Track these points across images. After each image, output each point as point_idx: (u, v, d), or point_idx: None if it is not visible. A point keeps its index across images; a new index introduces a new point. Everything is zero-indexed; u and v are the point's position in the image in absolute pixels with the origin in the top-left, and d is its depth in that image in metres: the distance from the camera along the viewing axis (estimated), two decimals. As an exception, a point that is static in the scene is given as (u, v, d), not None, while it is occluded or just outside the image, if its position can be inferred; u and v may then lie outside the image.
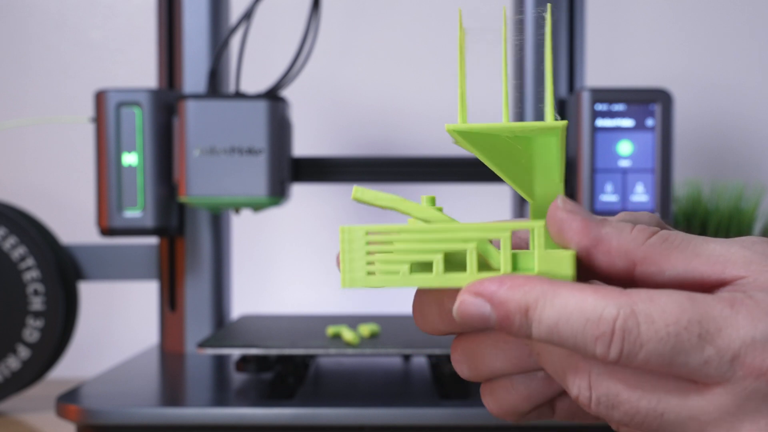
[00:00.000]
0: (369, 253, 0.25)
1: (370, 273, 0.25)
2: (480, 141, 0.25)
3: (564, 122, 0.25)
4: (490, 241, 0.26)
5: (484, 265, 0.26)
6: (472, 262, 0.25)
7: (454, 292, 0.26)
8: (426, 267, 0.26)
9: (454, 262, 0.26)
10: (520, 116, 0.72)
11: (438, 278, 0.25)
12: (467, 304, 0.25)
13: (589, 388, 0.24)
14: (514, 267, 0.26)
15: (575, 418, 0.30)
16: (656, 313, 0.23)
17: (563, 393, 0.29)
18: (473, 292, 0.25)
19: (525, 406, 0.28)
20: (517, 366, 0.27)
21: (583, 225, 0.25)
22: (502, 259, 0.26)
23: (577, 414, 0.29)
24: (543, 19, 0.27)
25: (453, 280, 0.25)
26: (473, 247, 0.25)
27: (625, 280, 0.26)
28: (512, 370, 0.28)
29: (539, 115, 0.68)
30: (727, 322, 0.22)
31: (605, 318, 0.23)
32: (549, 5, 0.27)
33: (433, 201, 0.27)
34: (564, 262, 0.25)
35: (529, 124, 0.25)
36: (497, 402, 0.28)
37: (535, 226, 0.26)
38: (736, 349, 0.22)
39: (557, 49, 0.70)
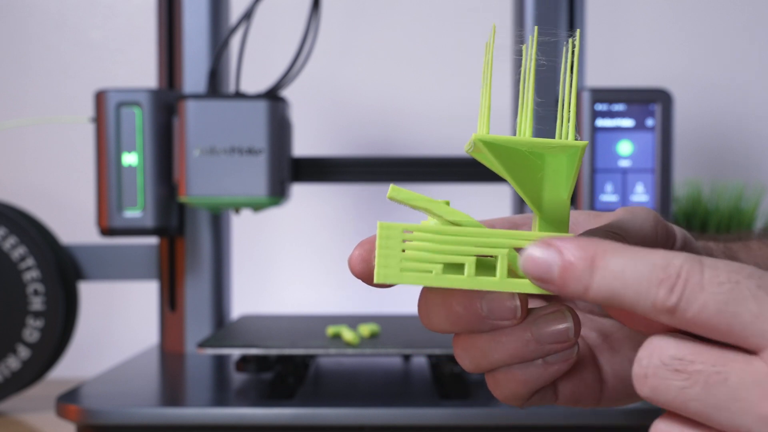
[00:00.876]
0: (404, 250, 0.26)
1: (403, 270, 0.26)
2: (500, 152, 0.26)
3: (585, 143, 0.26)
4: (516, 249, 0.27)
5: (510, 271, 0.27)
6: (503, 267, 0.26)
7: (461, 295, 0.27)
8: (455, 269, 0.27)
9: (480, 265, 0.27)
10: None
11: (469, 280, 0.26)
12: (536, 253, 0.25)
13: (651, 354, 0.24)
14: None
15: (578, 402, 0.31)
16: (721, 264, 0.23)
17: (563, 377, 0.30)
18: (544, 242, 0.25)
19: (525, 391, 0.29)
20: (515, 356, 0.28)
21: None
22: None
23: (581, 398, 0.31)
24: (570, 41, 0.27)
25: (483, 283, 0.26)
26: (505, 253, 0.26)
27: None
28: (510, 361, 0.29)
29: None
30: None
31: (673, 263, 0.23)
32: (578, 30, 0.27)
33: (447, 204, 0.27)
34: None
35: (552, 141, 0.26)
36: (500, 389, 0.30)
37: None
38: None
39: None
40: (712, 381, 0.23)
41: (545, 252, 0.25)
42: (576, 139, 0.26)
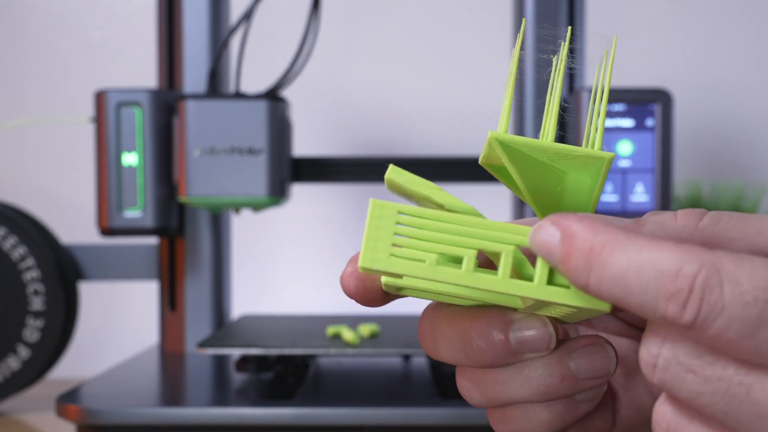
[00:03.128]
0: (397, 234, 0.23)
1: (393, 255, 0.23)
2: (517, 157, 0.23)
3: (612, 155, 0.23)
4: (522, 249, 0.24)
5: (513, 272, 0.23)
6: (506, 265, 0.23)
7: (482, 324, 0.24)
8: (452, 262, 0.23)
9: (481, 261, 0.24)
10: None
11: (467, 276, 0.23)
12: (543, 229, 0.22)
13: (663, 342, 0.20)
14: (549, 281, 0.23)
15: None
16: (744, 275, 0.19)
17: (589, 416, 0.27)
18: (553, 220, 0.22)
19: (542, 431, 0.25)
20: (543, 394, 0.24)
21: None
22: (538, 270, 0.23)
23: (590, 430, 0.27)
24: (605, 52, 0.25)
25: (482, 281, 0.23)
26: (510, 250, 0.23)
27: None
28: (535, 399, 0.25)
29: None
30: None
31: (685, 272, 0.19)
32: (615, 36, 0.26)
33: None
34: None
35: (577, 149, 0.23)
36: (510, 427, 0.26)
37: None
38: None
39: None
40: (733, 392, 0.20)
41: (551, 231, 0.21)
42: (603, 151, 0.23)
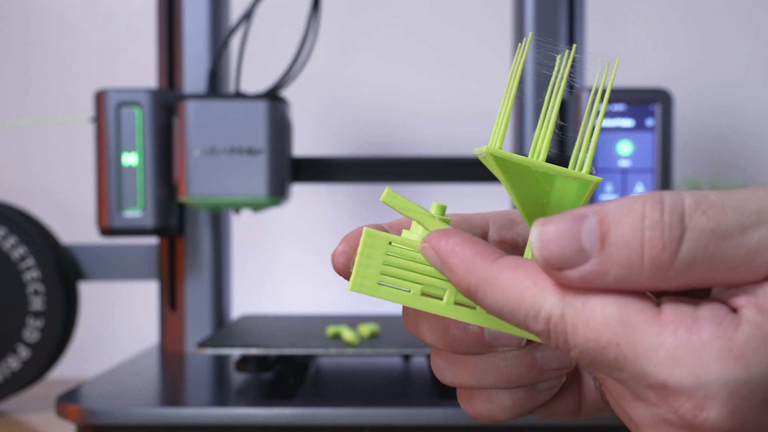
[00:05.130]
0: (385, 263, 0.25)
1: (380, 283, 0.25)
2: (509, 169, 0.25)
3: (599, 179, 0.25)
4: None
5: None
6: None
7: (459, 321, 0.26)
8: (436, 291, 0.25)
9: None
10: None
11: (447, 308, 0.25)
12: (425, 251, 0.24)
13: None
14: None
15: (554, 416, 0.29)
16: (581, 323, 0.21)
17: (555, 399, 0.29)
18: (430, 242, 0.24)
19: (504, 415, 0.28)
20: (510, 381, 0.27)
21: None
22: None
23: (557, 412, 0.29)
24: (607, 67, 0.25)
25: (461, 313, 0.25)
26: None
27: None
28: (503, 385, 0.27)
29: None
30: (645, 354, 0.21)
31: (541, 317, 0.22)
32: (618, 57, 0.26)
33: (443, 209, 0.26)
34: None
35: (566, 170, 0.25)
36: (475, 408, 0.28)
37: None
38: (649, 383, 0.21)
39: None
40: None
41: (428, 256, 0.24)
42: (591, 173, 0.25)
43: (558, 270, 0.22)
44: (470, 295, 0.23)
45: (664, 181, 0.64)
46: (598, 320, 0.21)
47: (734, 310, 0.21)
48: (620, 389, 0.23)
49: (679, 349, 0.20)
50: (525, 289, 0.22)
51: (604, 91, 0.25)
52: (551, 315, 0.22)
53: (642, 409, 0.22)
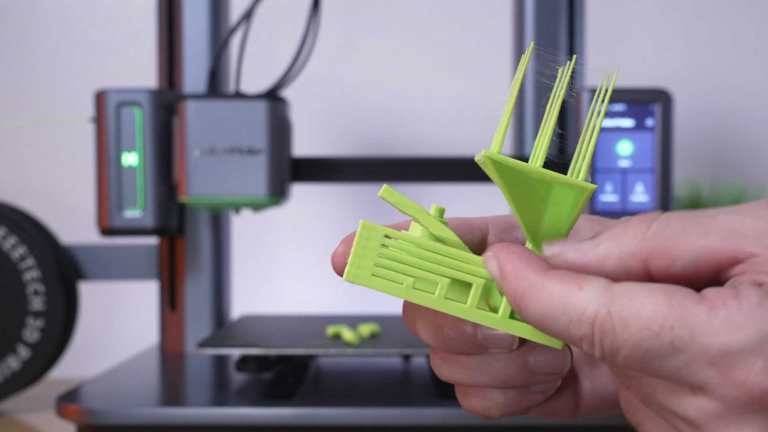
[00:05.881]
0: (380, 255, 0.25)
1: (374, 275, 0.25)
2: (507, 173, 0.25)
3: (594, 186, 0.25)
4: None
5: (482, 301, 0.26)
6: (475, 296, 0.26)
7: (454, 318, 0.27)
8: (428, 285, 0.26)
9: (455, 285, 0.26)
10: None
11: (438, 301, 0.26)
12: (488, 261, 0.25)
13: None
14: (513, 315, 0.26)
15: (552, 416, 0.30)
16: (631, 316, 0.22)
17: (552, 399, 0.29)
18: (494, 253, 0.25)
19: (497, 413, 0.28)
20: (501, 382, 0.27)
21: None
22: (503, 305, 0.26)
23: (555, 413, 0.29)
24: (607, 77, 0.26)
25: (452, 307, 0.26)
26: (481, 283, 0.26)
27: (660, 279, 0.24)
28: (495, 385, 0.28)
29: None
30: (702, 328, 0.21)
31: (585, 320, 0.22)
32: (617, 70, 0.26)
33: (441, 212, 0.27)
34: None
35: (562, 177, 0.25)
36: (470, 404, 0.29)
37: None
38: (711, 357, 0.21)
39: (558, 48, 0.70)
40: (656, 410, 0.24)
41: (490, 265, 0.25)
42: (587, 180, 0.25)
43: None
44: (516, 303, 0.24)
45: (664, 181, 0.64)
46: (648, 310, 0.22)
47: (759, 285, 0.22)
48: (670, 389, 0.23)
49: (734, 315, 0.21)
50: (570, 293, 0.23)
51: (604, 99, 0.25)
52: (597, 315, 0.22)
53: (704, 401, 0.22)
